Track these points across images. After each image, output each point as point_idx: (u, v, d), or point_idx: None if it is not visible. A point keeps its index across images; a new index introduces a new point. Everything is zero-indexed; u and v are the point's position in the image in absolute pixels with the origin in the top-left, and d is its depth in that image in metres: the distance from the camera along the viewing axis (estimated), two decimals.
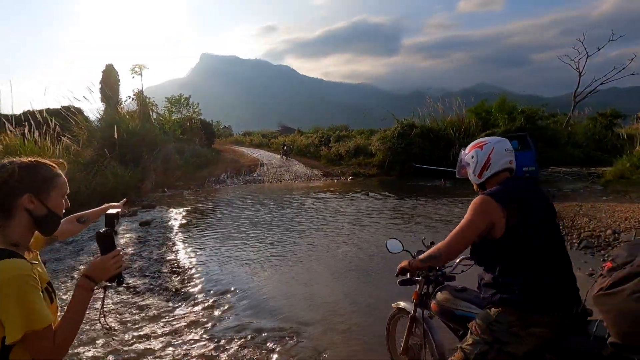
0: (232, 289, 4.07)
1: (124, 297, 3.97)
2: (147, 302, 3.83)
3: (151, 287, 4.19)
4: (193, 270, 4.70)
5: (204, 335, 3.10)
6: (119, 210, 1.30)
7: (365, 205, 9.40)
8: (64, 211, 1.17)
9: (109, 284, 1.14)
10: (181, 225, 7.70)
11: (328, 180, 17.64)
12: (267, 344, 2.90)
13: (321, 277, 4.41)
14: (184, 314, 3.55)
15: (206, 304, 3.74)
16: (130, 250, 5.87)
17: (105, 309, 3.58)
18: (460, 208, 8.24)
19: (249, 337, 3.04)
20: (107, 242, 1.12)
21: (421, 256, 1.70)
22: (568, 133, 18.27)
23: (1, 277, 0.92)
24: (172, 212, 9.58)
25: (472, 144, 1.78)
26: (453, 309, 1.76)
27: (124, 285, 3.72)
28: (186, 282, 4.33)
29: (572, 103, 20.54)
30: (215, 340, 3.01)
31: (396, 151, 18.07)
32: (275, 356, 2.76)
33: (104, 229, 1.15)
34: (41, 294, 0.99)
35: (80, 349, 2.90)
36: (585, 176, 11.73)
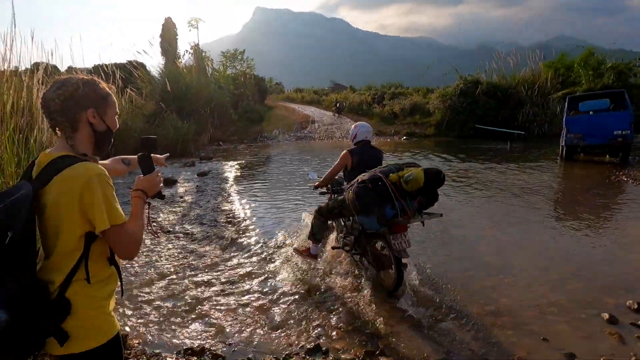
0: (288, 242, 4.00)
1: (182, 242, 4.07)
2: (204, 249, 3.89)
3: (208, 235, 4.26)
4: (248, 222, 4.70)
5: (259, 288, 3.06)
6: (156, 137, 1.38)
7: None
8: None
9: (153, 199, 1.32)
10: (236, 177, 7.83)
11: (380, 139, 17.00)
12: (326, 303, 2.78)
13: None
14: (240, 263, 3.55)
15: (261, 256, 3.71)
16: (188, 198, 6.07)
17: (163, 250, 3.74)
18: (527, 174, 7.39)
19: (306, 293, 2.95)
20: (149, 162, 1.26)
21: (321, 179, 3.44)
22: None
23: (88, 174, 1.04)
24: (227, 164, 9.81)
25: (354, 124, 3.49)
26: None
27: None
28: (241, 232, 4.33)
29: None
30: (271, 294, 2.95)
31: (457, 110, 16.78)
32: (335, 317, 2.61)
33: (144, 153, 1.27)
34: None
35: (141, 291, 3.00)
36: None
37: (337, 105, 22.72)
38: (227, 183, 7.22)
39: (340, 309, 2.70)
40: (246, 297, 2.92)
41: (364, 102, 24.04)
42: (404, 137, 16.83)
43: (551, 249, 3.75)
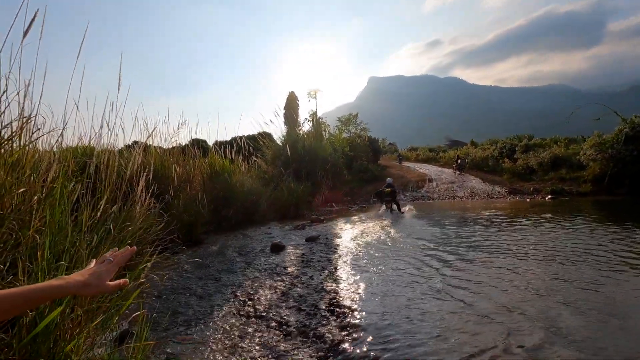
0: (410, 358, 2.80)
1: (273, 336, 3.25)
2: (295, 353, 2.96)
3: (304, 328, 3.34)
4: (356, 315, 3.56)
5: None
6: None
7: (578, 238, 6.51)
8: None
9: None
10: (346, 246, 6.98)
11: (516, 198, 14.32)
12: None
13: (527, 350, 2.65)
14: None
15: None
16: (292, 270, 5.42)
17: (247, 347, 2.99)
18: None
19: None
20: None
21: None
22: None
23: None
24: (338, 228, 9.16)
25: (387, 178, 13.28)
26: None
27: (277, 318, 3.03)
28: (346, 330, 3.26)
29: None
30: None
31: (624, 161, 13.26)
32: None
33: None
34: None
35: None
36: None
37: (459, 161, 20.81)
38: (335, 252, 6.42)
39: None
40: None
41: (489, 156, 21.52)
42: (549, 197, 13.78)
43: None
